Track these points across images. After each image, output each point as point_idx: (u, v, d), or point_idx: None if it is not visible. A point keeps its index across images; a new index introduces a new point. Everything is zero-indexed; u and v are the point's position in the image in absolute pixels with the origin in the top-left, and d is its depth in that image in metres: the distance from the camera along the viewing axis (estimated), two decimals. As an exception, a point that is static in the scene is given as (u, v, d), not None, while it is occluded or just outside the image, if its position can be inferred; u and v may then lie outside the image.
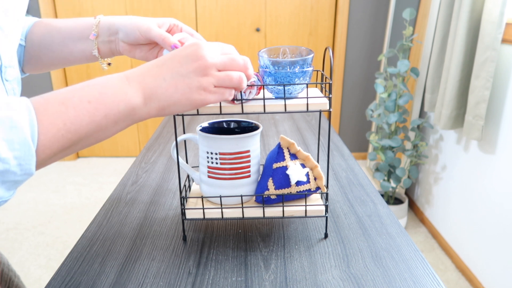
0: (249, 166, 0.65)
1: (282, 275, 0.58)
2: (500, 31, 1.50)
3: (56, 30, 0.70)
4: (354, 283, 0.56)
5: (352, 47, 2.91)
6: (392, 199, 2.30)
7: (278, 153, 0.65)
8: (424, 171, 2.32)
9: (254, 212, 0.65)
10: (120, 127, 0.47)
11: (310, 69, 0.59)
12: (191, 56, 0.48)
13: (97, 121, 0.44)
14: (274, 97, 0.61)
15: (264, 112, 0.59)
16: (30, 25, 0.73)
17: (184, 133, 0.72)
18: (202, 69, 0.48)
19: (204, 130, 0.68)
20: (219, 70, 0.50)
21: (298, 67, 0.58)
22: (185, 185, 0.70)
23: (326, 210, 0.65)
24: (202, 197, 0.65)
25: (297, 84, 0.59)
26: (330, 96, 0.58)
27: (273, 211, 0.65)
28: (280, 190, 0.64)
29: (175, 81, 0.47)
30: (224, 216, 0.65)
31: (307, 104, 0.58)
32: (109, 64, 0.72)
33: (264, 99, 0.59)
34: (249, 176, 0.65)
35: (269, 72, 0.59)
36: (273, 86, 0.60)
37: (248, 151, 0.64)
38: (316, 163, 0.65)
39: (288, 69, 0.58)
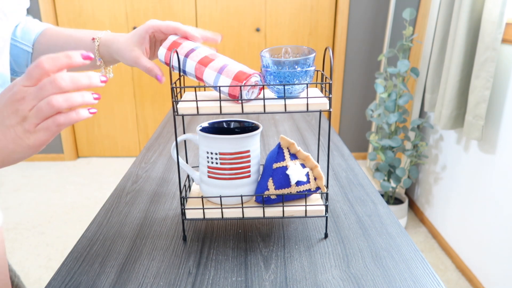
0: (249, 166, 0.65)
1: (282, 275, 0.58)
2: (500, 31, 1.50)
3: (59, 45, 0.73)
4: (354, 283, 0.56)
5: (352, 47, 2.91)
6: (392, 199, 2.30)
7: (278, 153, 0.65)
8: (424, 171, 2.32)
9: (254, 212, 0.65)
10: None
11: (312, 68, 0.59)
12: (7, 104, 0.46)
13: None
14: (276, 97, 0.61)
15: (264, 112, 0.59)
16: (39, 33, 0.74)
17: (184, 133, 0.72)
18: (17, 112, 0.46)
19: (204, 130, 0.68)
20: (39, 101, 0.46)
21: (299, 67, 0.58)
22: (185, 185, 0.70)
23: (326, 210, 0.65)
24: (202, 197, 0.65)
25: (297, 84, 0.59)
26: (330, 96, 0.58)
27: (273, 211, 0.65)
28: (280, 190, 0.64)
29: (2, 134, 0.46)
30: (224, 216, 0.65)
31: (307, 104, 0.58)
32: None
33: (264, 99, 0.59)
34: (249, 176, 0.65)
35: (271, 72, 0.59)
36: (273, 85, 0.60)
37: (248, 151, 0.64)
38: (316, 163, 0.65)
39: (289, 69, 0.58)
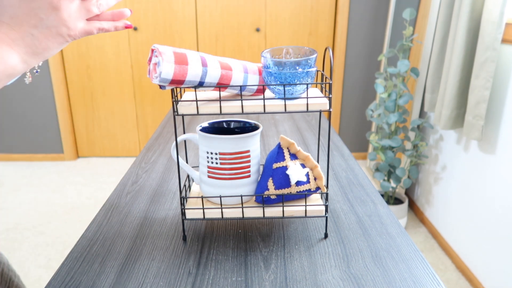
0: (249, 166, 0.65)
1: (282, 275, 0.58)
2: (500, 31, 1.50)
3: None
4: (354, 283, 0.56)
5: (352, 47, 2.91)
6: (392, 199, 2.30)
7: (278, 153, 0.65)
8: (424, 171, 2.32)
9: (254, 212, 0.65)
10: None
11: (313, 69, 0.59)
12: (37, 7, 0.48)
13: None
14: (276, 98, 0.61)
15: (264, 112, 0.59)
16: None
17: (184, 133, 0.72)
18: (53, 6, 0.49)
19: (204, 130, 0.68)
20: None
21: (300, 68, 0.58)
22: (185, 185, 0.70)
23: (326, 210, 0.65)
24: (202, 197, 0.65)
25: (297, 84, 0.59)
26: (330, 96, 0.58)
27: (273, 211, 0.65)
28: (280, 190, 0.64)
29: (43, 35, 0.49)
30: (224, 216, 0.65)
31: (307, 104, 0.58)
32: (36, 72, 0.67)
33: (264, 99, 0.59)
34: (249, 176, 0.65)
35: (272, 73, 0.59)
36: (274, 86, 0.60)
37: (248, 151, 0.64)
38: (316, 163, 0.65)
39: (290, 70, 0.58)
